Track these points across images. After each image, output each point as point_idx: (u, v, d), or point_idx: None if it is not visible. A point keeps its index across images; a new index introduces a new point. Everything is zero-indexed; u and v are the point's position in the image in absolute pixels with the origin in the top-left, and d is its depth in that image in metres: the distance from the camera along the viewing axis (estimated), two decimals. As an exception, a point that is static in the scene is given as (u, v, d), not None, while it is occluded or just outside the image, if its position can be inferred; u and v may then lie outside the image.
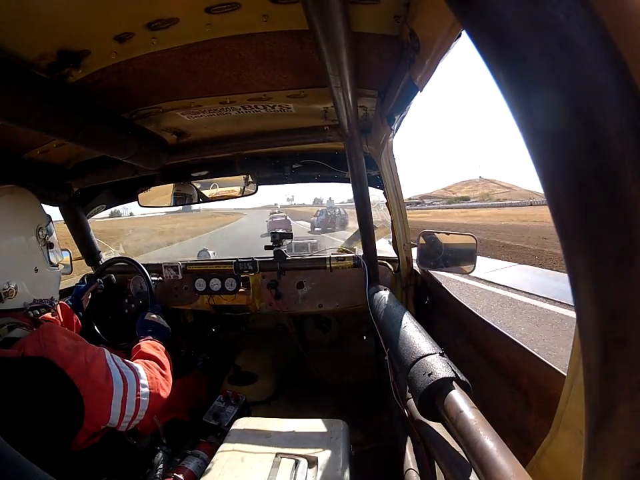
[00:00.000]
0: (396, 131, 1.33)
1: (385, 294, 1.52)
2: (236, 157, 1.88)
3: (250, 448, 1.20)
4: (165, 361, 1.34)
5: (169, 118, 1.40)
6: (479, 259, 1.71)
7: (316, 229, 21.40)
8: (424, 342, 0.92)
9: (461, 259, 1.75)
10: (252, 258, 2.03)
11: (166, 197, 2.07)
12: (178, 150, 1.67)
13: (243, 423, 1.35)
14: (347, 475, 1.09)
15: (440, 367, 0.78)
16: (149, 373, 1.19)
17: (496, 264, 9.11)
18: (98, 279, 1.98)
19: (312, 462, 1.12)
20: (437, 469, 0.97)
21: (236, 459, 1.15)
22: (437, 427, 0.96)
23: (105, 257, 2.32)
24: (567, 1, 0.21)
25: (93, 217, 2.27)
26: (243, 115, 1.41)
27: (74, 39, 0.85)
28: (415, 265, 1.88)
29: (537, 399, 0.89)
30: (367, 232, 1.77)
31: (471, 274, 1.80)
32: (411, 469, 1.22)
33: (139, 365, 1.20)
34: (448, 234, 1.80)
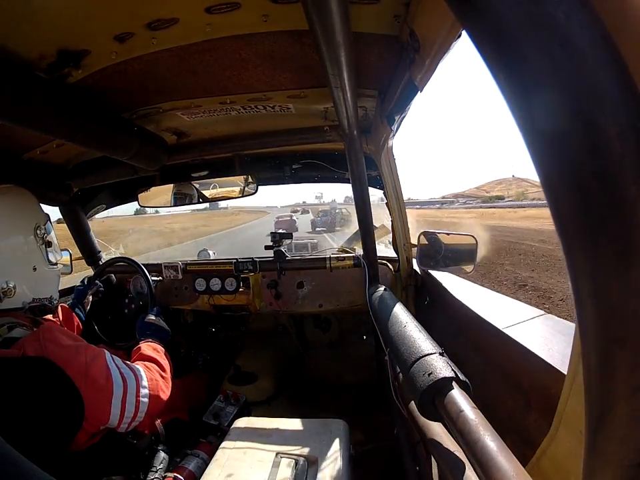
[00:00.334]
0: (396, 131, 1.33)
1: (385, 294, 1.52)
2: (236, 157, 1.88)
3: (250, 448, 1.20)
4: (165, 363, 1.34)
5: (168, 118, 1.40)
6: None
7: (317, 228, 21.35)
8: (424, 342, 0.92)
9: (461, 259, 1.75)
10: (252, 258, 2.03)
11: (166, 197, 2.07)
12: (178, 150, 1.67)
13: (242, 423, 1.35)
14: (347, 475, 1.08)
15: (440, 366, 0.78)
16: (149, 374, 1.20)
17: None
18: (97, 281, 1.98)
19: (312, 462, 1.12)
20: (437, 469, 0.97)
21: (236, 459, 1.15)
22: (437, 426, 0.96)
23: (105, 256, 2.32)
24: (566, 0, 0.21)
25: (108, 215, 2.26)
26: (243, 115, 1.41)
27: (74, 39, 0.85)
28: (415, 264, 1.88)
29: (536, 399, 0.88)
30: (366, 232, 1.77)
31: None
32: (411, 469, 1.22)
33: (139, 366, 1.20)
34: (448, 234, 1.80)
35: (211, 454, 1.23)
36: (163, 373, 1.27)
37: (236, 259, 2.03)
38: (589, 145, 0.22)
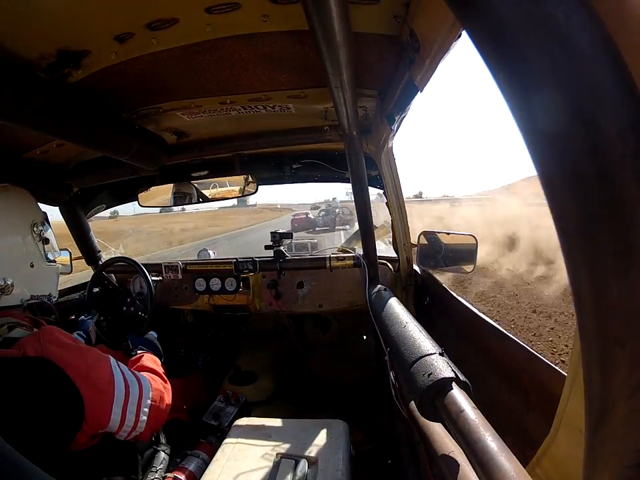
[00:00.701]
0: (396, 131, 1.33)
1: (385, 294, 1.52)
2: (236, 157, 1.88)
3: (250, 448, 1.20)
4: (163, 374, 1.34)
5: (169, 118, 1.40)
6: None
7: (317, 228, 21.26)
8: (424, 342, 0.92)
9: (461, 258, 1.75)
10: (252, 258, 2.03)
11: (166, 196, 2.07)
12: (178, 150, 1.67)
13: (242, 423, 1.35)
14: (347, 475, 1.09)
15: (440, 367, 0.78)
16: (154, 384, 1.19)
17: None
18: (94, 311, 1.94)
19: (312, 462, 1.12)
20: (437, 469, 0.97)
21: (236, 459, 1.15)
22: (437, 427, 0.96)
23: (105, 256, 2.32)
24: (566, 0, 0.21)
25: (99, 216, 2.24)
26: (243, 115, 1.41)
27: (74, 39, 0.85)
28: (415, 264, 1.88)
29: (536, 399, 0.88)
30: (366, 232, 1.77)
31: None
32: (411, 469, 1.22)
33: (145, 376, 1.19)
34: (448, 234, 1.80)
35: (211, 454, 1.23)
36: (165, 384, 1.27)
37: (236, 258, 2.03)
38: (589, 145, 0.22)
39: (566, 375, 0.58)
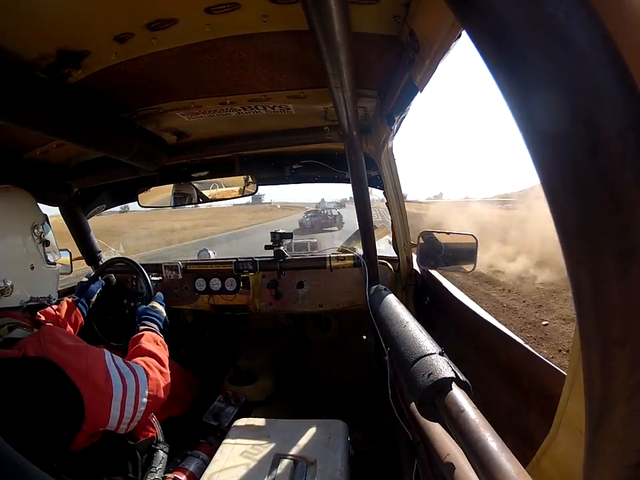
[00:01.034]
0: (396, 132, 1.33)
1: (385, 294, 1.52)
2: (236, 158, 1.88)
3: (249, 448, 1.20)
4: (164, 356, 1.34)
5: (168, 118, 1.40)
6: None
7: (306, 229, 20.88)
8: (424, 342, 0.92)
9: (461, 258, 1.75)
10: (252, 258, 2.03)
11: (166, 197, 2.08)
12: (178, 150, 1.67)
13: (242, 423, 1.35)
14: (345, 475, 1.09)
15: (440, 366, 0.78)
16: (150, 374, 1.19)
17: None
18: (101, 279, 1.98)
19: (311, 462, 1.12)
20: (437, 470, 0.97)
21: (235, 459, 1.15)
22: (437, 427, 0.96)
23: (105, 256, 2.32)
24: (566, 0, 0.21)
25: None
26: (243, 116, 1.41)
27: (74, 39, 0.85)
28: (415, 264, 1.88)
29: (537, 399, 0.88)
30: (366, 232, 1.77)
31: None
32: (411, 469, 1.22)
33: (139, 365, 1.19)
34: (448, 233, 1.80)
35: (211, 454, 1.23)
36: (162, 368, 1.26)
37: (236, 258, 2.04)
38: (589, 145, 0.22)
39: (566, 374, 0.58)
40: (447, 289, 1.59)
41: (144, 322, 1.51)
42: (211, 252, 2.53)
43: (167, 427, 1.48)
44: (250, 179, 1.97)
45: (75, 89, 1.03)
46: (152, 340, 1.38)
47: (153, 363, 1.26)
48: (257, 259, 2.02)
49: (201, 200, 2.10)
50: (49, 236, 1.26)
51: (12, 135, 1.30)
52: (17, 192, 1.21)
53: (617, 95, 0.22)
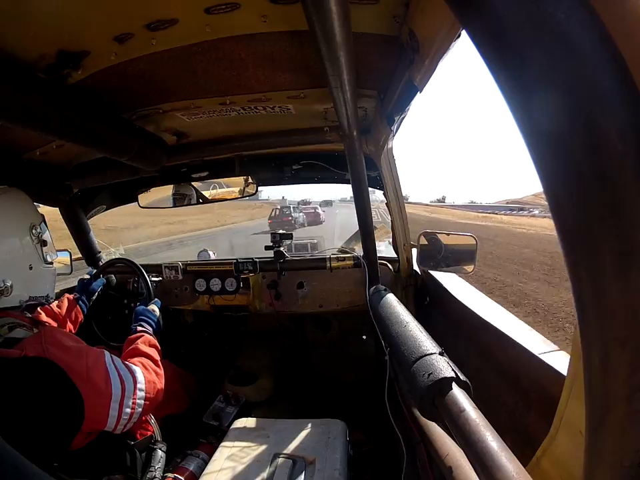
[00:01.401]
0: (396, 132, 1.33)
1: (385, 294, 1.52)
2: (236, 158, 1.88)
3: (248, 448, 1.20)
4: (158, 358, 1.34)
5: (168, 119, 1.40)
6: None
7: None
8: (424, 342, 0.92)
9: (461, 259, 1.75)
10: (252, 258, 2.03)
11: (166, 197, 2.08)
12: (178, 151, 1.67)
13: (241, 423, 1.35)
14: (344, 475, 1.09)
15: (440, 367, 0.78)
16: (147, 376, 1.19)
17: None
18: (102, 277, 1.98)
19: (310, 462, 1.12)
20: (437, 470, 0.97)
21: (234, 459, 1.16)
22: (437, 427, 0.96)
23: (105, 257, 2.32)
24: (567, 0, 0.21)
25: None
26: (243, 116, 1.41)
27: (73, 40, 0.85)
28: (415, 265, 1.88)
29: (537, 399, 0.88)
30: (366, 232, 1.77)
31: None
32: (411, 469, 1.22)
33: (137, 367, 1.19)
34: (448, 234, 1.79)
35: (212, 454, 1.23)
36: (157, 370, 1.27)
37: (236, 259, 2.04)
38: (589, 144, 0.22)
39: (566, 375, 0.58)
40: (446, 289, 1.59)
41: (141, 323, 1.51)
42: (210, 252, 2.53)
43: (167, 426, 1.48)
44: (250, 180, 1.97)
45: (75, 90, 1.03)
46: (147, 342, 1.38)
47: (149, 364, 1.26)
48: (257, 260, 2.02)
49: (200, 200, 2.09)
50: (46, 236, 1.26)
51: (12, 135, 1.30)
52: (14, 193, 1.21)
53: (617, 95, 0.22)
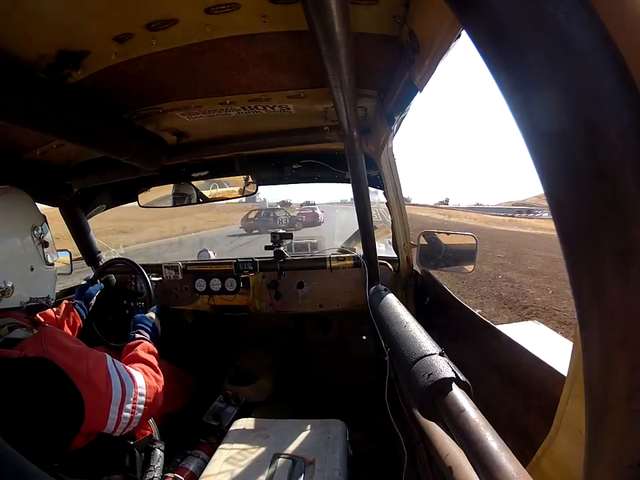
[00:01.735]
0: (396, 132, 1.33)
1: (385, 294, 1.52)
2: (236, 158, 1.88)
3: (248, 448, 1.20)
4: (157, 364, 1.34)
5: (168, 118, 1.40)
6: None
7: (254, 231, 18.32)
8: (424, 342, 0.92)
9: (461, 259, 1.75)
10: (252, 258, 2.03)
11: (166, 197, 2.08)
12: (178, 151, 1.67)
13: (241, 423, 1.35)
14: (343, 475, 1.09)
15: (440, 367, 0.78)
16: (148, 381, 1.20)
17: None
18: (99, 281, 1.98)
19: (309, 462, 1.12)
20: (437, 470, 0.97)
21: (234, 459, 1.16)
22: (437, 427, 0.96)
23: (105, 257, 2.32)
24: (567, 0, 0.21)
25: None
26: (243, 116, 1.41)
27: (73, 40, 0.85)
28: (415, 265, 1.88)
29: (537, 399, 0.89)
30: (366, 232, 1.77)
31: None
32: (411, 469, 1.22)
33: (139, 372, 1.20)
34: (448, 234, 1.80)
35: (211, 454, 1.23)
36: (157, 376, 1.27)
37: (236, 259, 2.04)
38: (589, 144, 0.22)
39: (566, 375, 0.58)
40: (447, 289, 1.59)
41: (138, 330, 1.52)
42: (210, 252, 2.53)
43: (166, 426, 1.49)
44: (250, 179, 1.97)
45: (75, 90, 1.03)
46: (146, 349, 1.39)
47: (149, 370, 1.27)
48: (257, 260, 2.02)
49: (200, 200, 2.10)
50: (48, 237, 1.26)
51: (12, 135, 1.30)
52: (16, 193, 1.21)
53: (617, 95, 0.22)
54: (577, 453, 0.42)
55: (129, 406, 1.09)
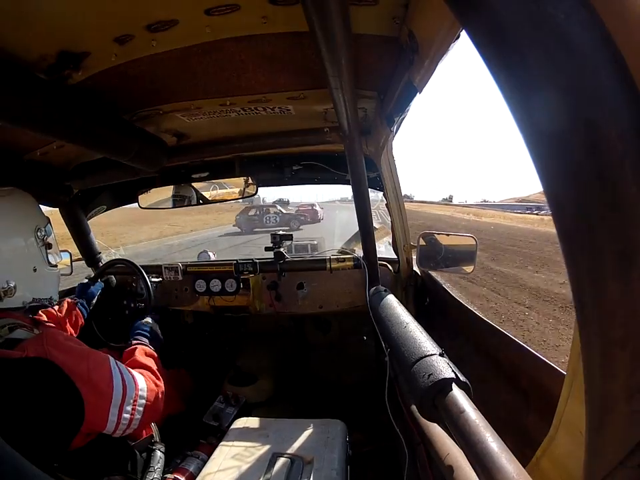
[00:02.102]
0: (395, 133, 1.33)
1: (385, 295, 1.52)
2: (236, 159, 1.89)
3: (247, 447, 1.20)
4: (156, 367, 1.34)
5: (168, 120, 1.40)
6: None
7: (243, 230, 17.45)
8: (424, 342, 0.92)
9: (461, 259, 1.75)
10: (252, 259, 2.03)
11: (166, 198, 2.08)
12: (178, 152, 1.67)
13: (241, 423, 1.35)
14: (342, 474, 1.09)
15: (440, 367, 0.78)
16: (149, 384, 1.20)
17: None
18: (101, 281, 1.98)
19: (308, 461, 1.12)
20: (438, 471, 0.97)
21: (233, 458, 1.16)
22: (437, 428, 0.96)
23: (105, 257, 2.32)
24: (567, 0, 0.21)
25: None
26: (243, 117, 1.41)
27: (74, 41, 0.85)
28: (415, 266, 1.88)
29: (537, 399, 0.89)
30: (366, 233, 1.77)
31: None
32: (411, 470, 1.22)
33: (140, 375, 1.20)
34: (448, 235, 1.80)
35: (211, 455, 1.23)
36: (157, 381, 1.27)
37: (236, 260, 2.04)
38: (589, 144, 0.22)
39: (565, 374, 0.58)
40: (446, 290, 1.59)
41: (135, 337, 1.52)
42: (210, 253, 2.53)
43: (166, 427, 1.48)
44: (250, 181, 1.97)
45: (75, 91, 1.03)
46: (144, 352, 1.38)
47: (148, 375, 1.27)
48: (257, 261, 2.02)
49: (200, 201, 2.10)
50: (51, 239, 1.26)
51: (12, 136, 1.30)
52: (20, 194, 1.21)
53: (617, 95, 0.22)
54: (577, 453, 0.42)
55: (128, 407, 1.09)
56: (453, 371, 0.76)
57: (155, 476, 1.23)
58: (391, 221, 1.82)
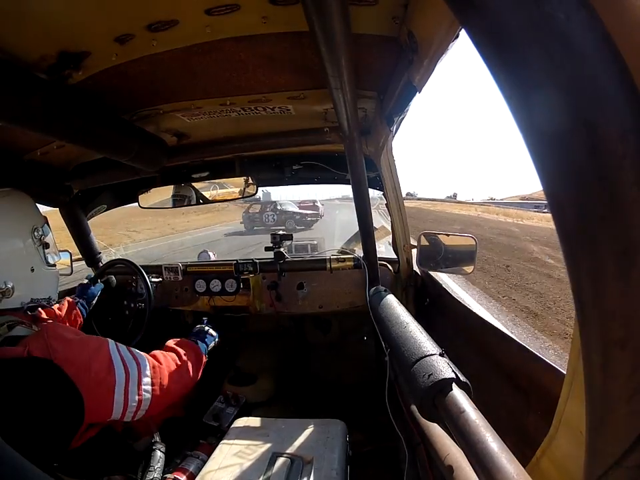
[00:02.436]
0: (395, 132, 1.33)
1: (385, 295, 1.52)
2: (236, 159, 1.89)
3: (247, 447, 1.20)
4: (184, 353, 1.34)
5: (169, 119, 1.40)
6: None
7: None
8: (424, 342, 0.92)
9: (461, 260, 1.75)
10: (252, 259, 2.03)
11: (166, 198, 2.08)
12: (178, 152, 1.67)
13: (241, 423, 1.35)
14: (342, 474, 1.09)
15: (440, 367, 0.78)
16: (153, 362, 1.18)
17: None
18: (100, 281, 1.98)
19: (307, 461, 1.12)
20: (438, 471, 0.97)
21: (233, 458, 1.16)
22: (437, 427, 0.96)
23: (105, 257, 2.32)
24: (567, 1, 0.21)
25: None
26: (243, 117, 1.41)
27: (74, 41, 0.85)
28: (415, 266, 1.88)
29: (537, 399, 0.88)
30: (366, 233, 1.77)
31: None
32: (411, 470, 1.22)
33: (142, 355, 1.19)
34: (448, 235, 1.80)
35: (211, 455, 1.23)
36: (177, 362, 1.27)
37: (236, 260, 2.04)
38: (590, 145, 0.22)
39: (565, 375, 0.58)
40: (446, 290, 1.59)
41: (192, 338, 1.54)
42: (210, 253, 2.53)
43: (166, 427, 1.48)
44: (250, 180, 1.97)
45: (75, 90, 1.03)
46: (179, 343, 1.39)
47: (168, 354, 1.26)
48: (257, 261, 2.02)
49: (200, 201, 2.10)
50: (49, 238, 1.26)
51: (12, 136, 1.30)
52: (17, 195, 1.21)
53: (617, 96, 0.22)
54: (577, 452, 0.42)
55: (134, 388, 1.08)
56: (453, 370, 0.76)
57: (155, 476, 1.23)
58: (391, 221, 1.82)
